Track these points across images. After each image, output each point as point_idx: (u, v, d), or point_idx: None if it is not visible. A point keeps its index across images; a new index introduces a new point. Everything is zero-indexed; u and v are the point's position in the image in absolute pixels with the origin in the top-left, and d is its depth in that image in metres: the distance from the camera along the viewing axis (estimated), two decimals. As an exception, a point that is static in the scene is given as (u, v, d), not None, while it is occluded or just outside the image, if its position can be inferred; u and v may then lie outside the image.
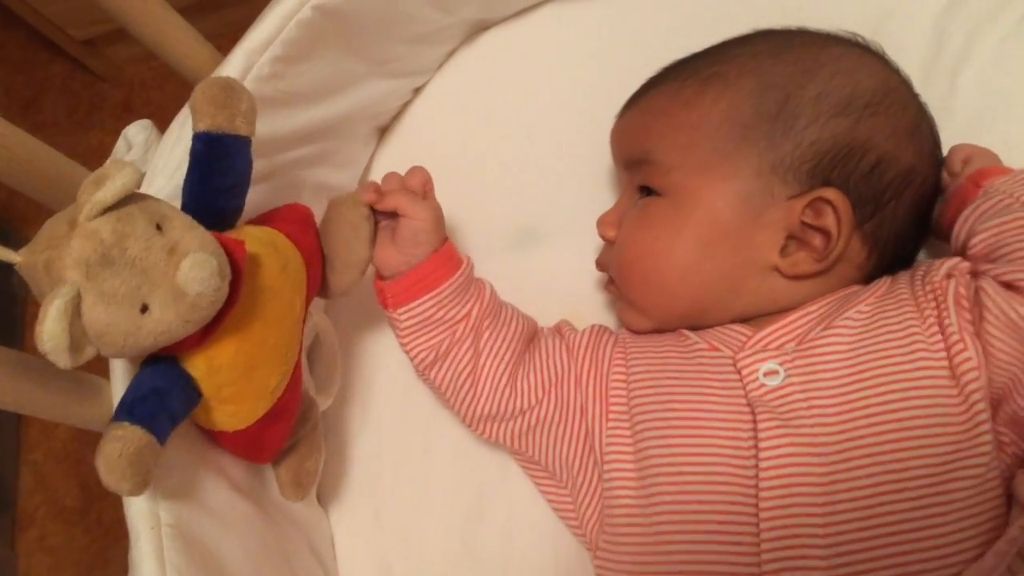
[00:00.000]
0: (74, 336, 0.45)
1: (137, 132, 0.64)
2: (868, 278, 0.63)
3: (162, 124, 0.66)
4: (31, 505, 1.29)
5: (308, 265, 0.62)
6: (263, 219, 0.63)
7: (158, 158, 0.60)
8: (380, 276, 0.68)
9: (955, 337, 0.55)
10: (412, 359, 0.68)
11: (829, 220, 0.58)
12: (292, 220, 0.64)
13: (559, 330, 0.70)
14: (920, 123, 0.62)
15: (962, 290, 0.56)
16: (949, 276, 0.57)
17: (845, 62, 0.61)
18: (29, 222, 1.40)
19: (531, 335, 0.69)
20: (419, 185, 0.68)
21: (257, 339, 0.56)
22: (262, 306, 0.56)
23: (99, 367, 0.62)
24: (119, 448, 0.47)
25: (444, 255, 0.66)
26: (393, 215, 0.67)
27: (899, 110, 0.61)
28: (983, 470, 0.53)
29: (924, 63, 0.73)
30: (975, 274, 0.57)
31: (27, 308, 1.36)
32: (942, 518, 0.52)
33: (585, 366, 0.65)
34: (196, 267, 0.47)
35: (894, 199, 0.60)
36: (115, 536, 1.23)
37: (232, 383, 0.55)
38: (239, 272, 0.51)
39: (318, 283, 0.65)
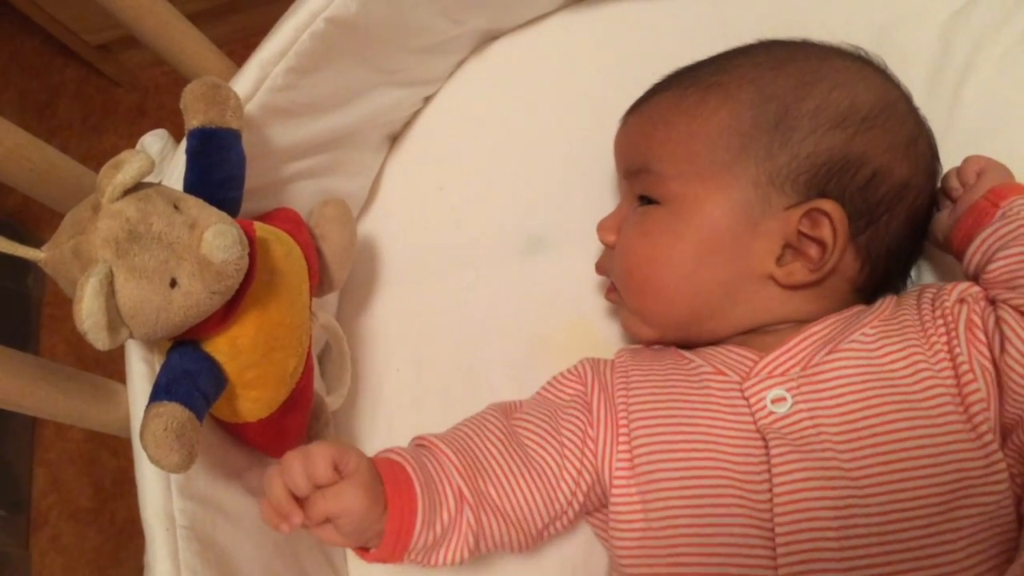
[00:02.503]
0: (109, 316, 0.47)
1: (153, 141, 0.65)
2: (861, 291, 0.63)
3: (176, 128, 0.67)
4: (45, 505, 1.31)
5: (307, 257, 0.64)
6: (259, 219, 0.64)
7: (174, 168, 0.62)
8: (360, 550, 0.59)
9: (965, 367, 0.55)
10: (454, 565, 0.60)
11: (825, 231, 0.59)
12: (286, 219, 0.66)
13: (563, 379, 0.67)
14: (917, 137, 0.63)
15: (975, 318, 0.56)
16: (961, 301, 0.57)
17: (844, 75, 0.62)
18: (43, 226, 1.41)
19: (506, 424, 0.63)
20: (328, 474, 0.53)
21: (274, 320, 0.57)
22: (275, 288, 0.58)
23: (115, 372, 0.63)
24: (164, 423, 0.49)
25: (395, 500, 0.56)
26: None
27: (896, 124, 0.61)
28: (998, 497, 0.53)
29: (929, 73, 0.74)
30: (992, 301, 0.57)
31: (41, 310, 1.37)
32: (952, 544, 0.52)
33: (596, 398, 0.63)
34: (219, 236, 0.49)
35: (887, 213, 0.61)
36: (128, 536, 1.25)
37: (255, 365, 0.57)
38: (252, 248, 0.53)
39: (317, 275, 0.67)
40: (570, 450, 0.61)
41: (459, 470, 0.59)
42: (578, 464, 0.61)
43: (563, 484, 0.61)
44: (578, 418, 0.63)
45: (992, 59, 0.73)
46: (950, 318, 0.57)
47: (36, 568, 1.28)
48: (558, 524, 0.63)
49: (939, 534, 0.52)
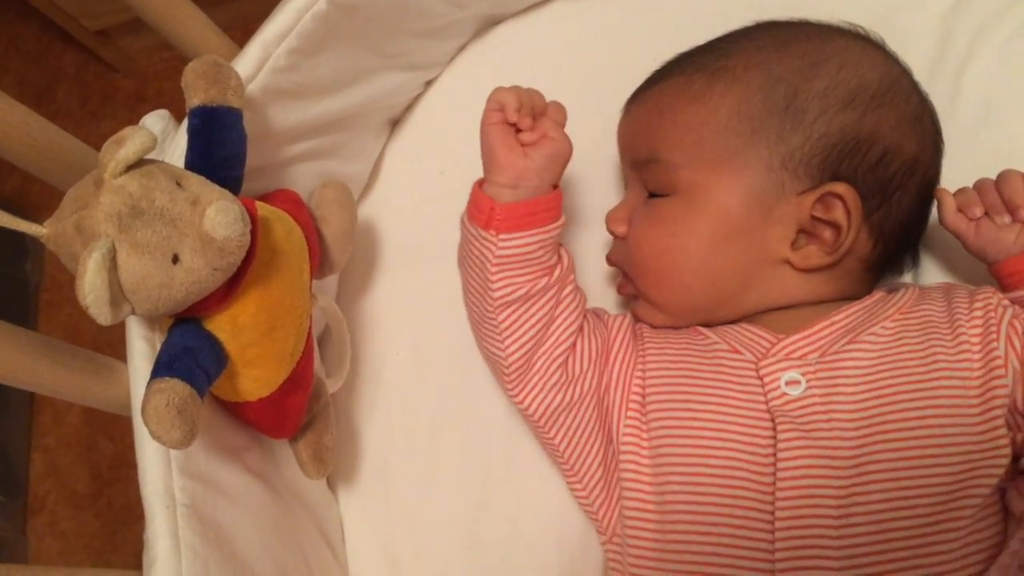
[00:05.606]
0: (111, 291, 0.47)
1: (155, 122, 0.65)
2: (872, 269, 0.63)
3: (175, 114, 0.67)
4: (42, 490, 1.31)
5: (307, 239, 0.64)
6: (260, 200, 0.64)
7: (175, 147, 0.61)
8: (483, 185, 0.64)
9: (999, 361, 0.55)
10: (494, 292, 0.64)
11: (839, 214, 0.59)
12: (286, 200, 0.66)
13: (596, 312, 0.70)
14: (922, 113, 0.63)
15: (1016, 324, 0.56)
16: (1003, 305, 0.58)
17: (849, 54, 0.62)
18: (42, 209, 1.41)
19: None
20: (564, 119, 0.65)
21: (275, 298, 0.58)
22: (276, 267, 0.58)
23: (115, 350, 0.63)
24: (166, 398, 0.49)
25: (559, 197, 0.65)
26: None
27: (902, 101, 0.61)
28: (991, 490, 0.54)
29: (930, 61, 0.74)
30: None
31: (39, 295, 1.37)
32: (953, 533, 0.53)
33: (616, 345, 0.66)
34: (221, 212, 0.49)
35: (899, 190, 0.61)
36: (125, 521, 1.25)
37: (256, 343, 0.57)
38: (254, 227, 0.53)
39: (318, 256, 0.67)
40: (593, 346, 0.66)
41: (569, 262, 0.67)
42: (588, 361, 0.65)
43: (575, 363, 0.65)
44: (601, 340, 0.66)
45: (992, 47, 0.73)
46: (992, 314, 0.57)
47: (33, 553, 1.28)
48: (540, 394, 0.65)
49: (941, 523, 0.53)
